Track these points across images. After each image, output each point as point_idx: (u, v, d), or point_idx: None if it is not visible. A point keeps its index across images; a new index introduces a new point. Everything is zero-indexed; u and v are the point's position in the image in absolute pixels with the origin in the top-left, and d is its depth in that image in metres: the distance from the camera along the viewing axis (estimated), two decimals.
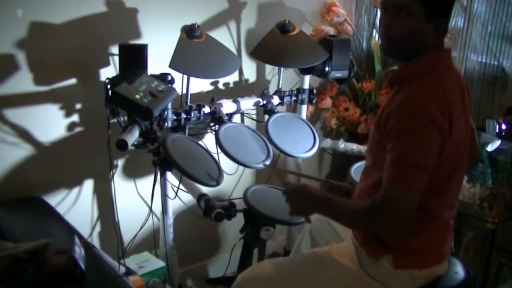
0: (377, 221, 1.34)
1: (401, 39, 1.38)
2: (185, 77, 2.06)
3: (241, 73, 2.48)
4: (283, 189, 1.56)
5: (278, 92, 2.39)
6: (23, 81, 1.87)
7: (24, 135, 1.92)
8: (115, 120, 1.89)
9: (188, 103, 2.08)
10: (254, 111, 2.46)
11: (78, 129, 2.05)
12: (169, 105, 1.93)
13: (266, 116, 2.32)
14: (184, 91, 2.08)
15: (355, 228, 1.51)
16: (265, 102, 2.30)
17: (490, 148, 2.15)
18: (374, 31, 2.71)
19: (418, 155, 1.29)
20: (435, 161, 1.33)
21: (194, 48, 1.98)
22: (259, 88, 2.41)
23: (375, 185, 1.38)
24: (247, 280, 1.58)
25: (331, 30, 2.57)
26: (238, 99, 2.22)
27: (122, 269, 1.88)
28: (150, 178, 2.08)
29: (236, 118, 2.38)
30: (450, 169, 1.41)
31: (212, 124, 2.17)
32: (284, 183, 1.56)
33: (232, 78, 2.44)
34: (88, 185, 2.13)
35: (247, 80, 2.51)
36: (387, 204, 1.31)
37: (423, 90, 1.34)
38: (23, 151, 1.94)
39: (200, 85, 2.31)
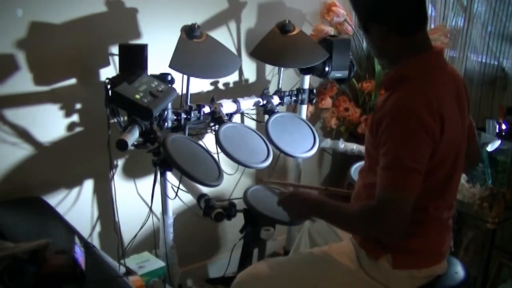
0: (372, 224, 1.34)
1: (373, 52, 1.52)
2: (185, 77, 2.06)
3: (241, 73, 2.48)
4: (278, 198, 1.59)
5: (278, 92, 2.39)
6: (23, 81, 1.87)
7: (24, 135, 1.92)
8: (115, 120, 1.89)
9: (188, 103, 2.08)
10: (254, 111, 2.46)
11: (78, 129, 2.05)
12: (169, 105, 1.93)
13: (266, 116, 2.32)
14: (184, 91, 2.08)
15: (351, 230, 1.52)
16: (265, 102, 2.30)
17: (490, 148, 2.15)
18: None
19: (409, 160, 1.29)
20: (428, 164, 1.33)
21: (194, 48, 1.98)
22: (259, 88, 2.41)
23: (373, 185, 1.38)
24: (247, 280, 1.58)
25: (331, 30, 2.57)
26: (238, 99, 2.22)
27: (122, 269, 1.88)
28: (150, 178, 2.08)
29: (236, 118, 2.38)
30: (447, 171, 1.41)
31: (212, 124, 2.17)
32: (278, 192, 1.58)
33: (232, 78, 2.44)
34: (88, 185, 2.13)
35: (247, 80, 2.51)
36: (382, 207, 1.31)
37: (413, 94, 1.34)
38: (23, 151, 1.94)
39: (200, 85, 2.31)
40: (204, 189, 1.92)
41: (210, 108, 2.10)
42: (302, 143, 2.26)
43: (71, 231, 1.72)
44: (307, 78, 2.43)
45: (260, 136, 2.17)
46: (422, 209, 1.40)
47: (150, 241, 2.20)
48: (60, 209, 2.01)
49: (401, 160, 1.30)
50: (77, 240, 1.53)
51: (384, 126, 1.33)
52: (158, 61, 1.96)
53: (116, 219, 2.00)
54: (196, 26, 1.98)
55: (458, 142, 1.42)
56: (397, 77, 1.42)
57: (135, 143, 1.85)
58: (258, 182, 2.13)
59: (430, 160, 1.34)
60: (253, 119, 2.48)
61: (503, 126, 2.17)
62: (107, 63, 2.04)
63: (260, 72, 2.55)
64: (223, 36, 2.32)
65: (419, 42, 1.41)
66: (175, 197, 2.06)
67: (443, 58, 1.48)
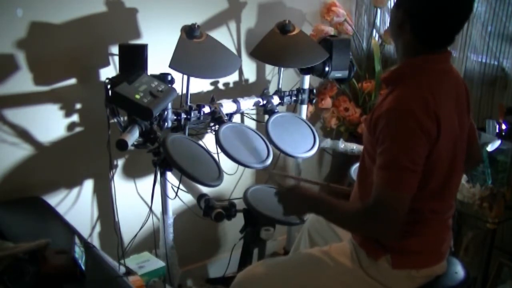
0: (369, 223, 1.34)
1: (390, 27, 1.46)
2: (185, 77, 2.06)
3: (241, 73, 2.48)
4: (276, 189, 1.57)
5: (278, 92, 2.39)
6: (23, 81, 1.87)
7: (24, 135, 1.92)
8: (115, 120, 1.89)
9: (188, 103, 2.08)
10: (254, 111, 2.46)
11: (78, 129, 2.05)
12: (169, 105, 1.94)
13: (266, 116, 2.32)
14: (184, 91, 2.09)
15: (348, 229, 1.51)
16: (265, 102, 2.30)
17: (490, 148, 2.15)
18: (374, 31, 2.71)
19: (405, 160, 1.29)
20: (425, 164, 1.33)
21: (194, 48, 1.99)
22: (259, 88, 2.41)
23: (371, 184, 1.38)
24: (247, 279, 1.58)
25: (331, 30, 2.57)
26: (238, 99, 2.22)
27: (122, 269, 1.88)
28: (150, 178, 2.08)
29: (236, 118, 2.38)
30: (446, 172, 1.41)
31: (212, 124, 2.17)
32: (277, 183, 1.57)
33: (232, 78, 2.44)
34: (88, 185, 2.13)
35: (247, 80, 2.51)
36: (378, 207, 1.31)
37: (410, 94, 1.34)
38: (23, 151, 1.94)
39: (200, 85, 2.31)
40: (204, 189, 1.92)
41: (210, 108, 2.10)
42: (302, 143, 2.26)
43: (71, 231, 1.72)
44: (307, 78, 2.43)
45: (260, 136, 2.17)
46: (421, 210, 1.40)
47: (150, 241, 2.20)
48: (60, 209, 2.01)
49: (397, 159, 1.30)
50: (77, 240, 1.53)
51: (381, 125, 1.34)
52: (158, 61, 1.96)
53: (116, 219, 2.00)
54: (196, 26, 1.98)
55: (455, 144, 1.42)
56: (397, 75, 1.43)
57: (135, 143, 1.85)
58: (265, 172, 2.12)
59: (427, 160, 1.34)
60: (253, 119, 2.48)
61: (503, 126, 2.17)
62: (107, 63, 2.04)
63: (260, 72, 2.55)
64: (223, 36, 2.32)
65: (430, 41, 1.40)
66: (175, 197, 2.06)
67: (448, 61, 1.47)
